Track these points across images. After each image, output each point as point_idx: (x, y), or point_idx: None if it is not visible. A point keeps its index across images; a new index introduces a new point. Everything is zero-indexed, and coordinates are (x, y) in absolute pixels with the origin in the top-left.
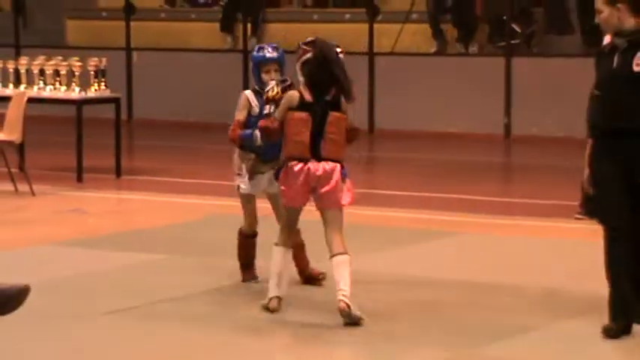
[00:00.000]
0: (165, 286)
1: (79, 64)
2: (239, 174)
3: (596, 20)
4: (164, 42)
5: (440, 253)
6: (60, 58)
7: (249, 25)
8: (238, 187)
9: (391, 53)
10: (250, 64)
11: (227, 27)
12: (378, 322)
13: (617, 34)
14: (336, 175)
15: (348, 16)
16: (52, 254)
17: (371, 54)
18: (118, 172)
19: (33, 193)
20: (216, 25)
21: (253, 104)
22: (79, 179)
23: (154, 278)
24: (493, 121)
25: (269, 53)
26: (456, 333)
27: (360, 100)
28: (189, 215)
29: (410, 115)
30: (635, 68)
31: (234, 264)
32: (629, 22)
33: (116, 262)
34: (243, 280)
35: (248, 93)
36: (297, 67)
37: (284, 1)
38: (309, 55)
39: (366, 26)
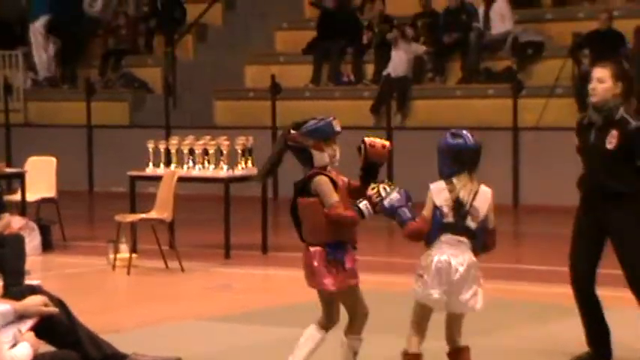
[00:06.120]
0: None
1: (226, 142)
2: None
3: (590, 87)
4: None
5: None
6: (208, 137)
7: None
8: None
9: (536, 128)
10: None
11: (378, 110)
12: None
13: (594, 107)
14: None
15: (491, 91)
16: (201, 329)
17: (515, 129)
18: (265, 248)
19: (182, 270)
20: (360, 103)
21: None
22: (227, 256)
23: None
24: None
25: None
26: None
27: (504, 174)
28: None
29: (556, 189)
30: (608, 146)
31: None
32: (613, 100)
33: (265, 337)
34: None
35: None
36: None
37: (425, 79)
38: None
39: (510, 101)
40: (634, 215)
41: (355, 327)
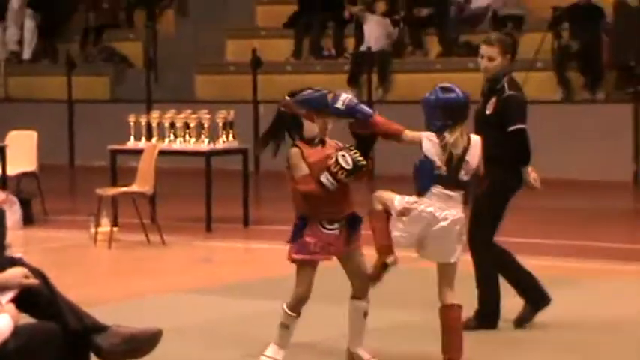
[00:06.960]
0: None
1: (207, 116)
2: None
3: (482, 65)
4: None
5: (570, 300)
6: (189, 111)
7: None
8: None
9: None
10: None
11: (355, 80)
12: None
13: (486, 80)
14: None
15: (471, 64)
16: (182, 301)
17: None
18: (246, 221)
19: (164, 243)
20: (341, 77)
21: None
22: (208, 229)
23: None
24: (621, 167)
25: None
26: None
27: None
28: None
29: (536, 161)
30: (487, 111)
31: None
32: (502, 71)
33: (245, 310)
34: None
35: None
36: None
37: (406, 52)
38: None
39: None
40: (492, 180)
41: (290, 299)
